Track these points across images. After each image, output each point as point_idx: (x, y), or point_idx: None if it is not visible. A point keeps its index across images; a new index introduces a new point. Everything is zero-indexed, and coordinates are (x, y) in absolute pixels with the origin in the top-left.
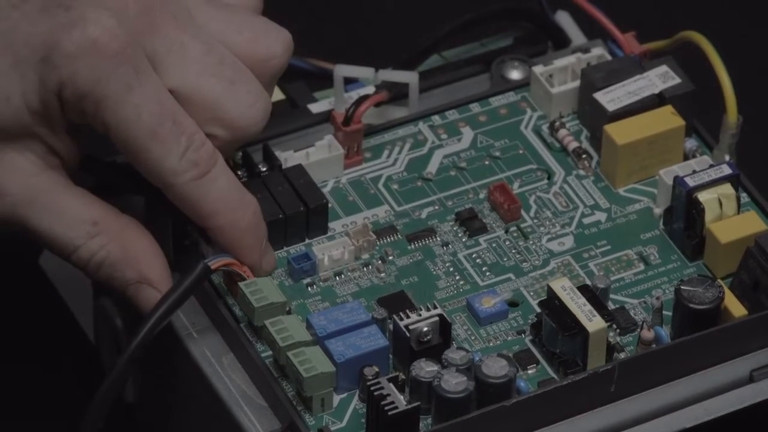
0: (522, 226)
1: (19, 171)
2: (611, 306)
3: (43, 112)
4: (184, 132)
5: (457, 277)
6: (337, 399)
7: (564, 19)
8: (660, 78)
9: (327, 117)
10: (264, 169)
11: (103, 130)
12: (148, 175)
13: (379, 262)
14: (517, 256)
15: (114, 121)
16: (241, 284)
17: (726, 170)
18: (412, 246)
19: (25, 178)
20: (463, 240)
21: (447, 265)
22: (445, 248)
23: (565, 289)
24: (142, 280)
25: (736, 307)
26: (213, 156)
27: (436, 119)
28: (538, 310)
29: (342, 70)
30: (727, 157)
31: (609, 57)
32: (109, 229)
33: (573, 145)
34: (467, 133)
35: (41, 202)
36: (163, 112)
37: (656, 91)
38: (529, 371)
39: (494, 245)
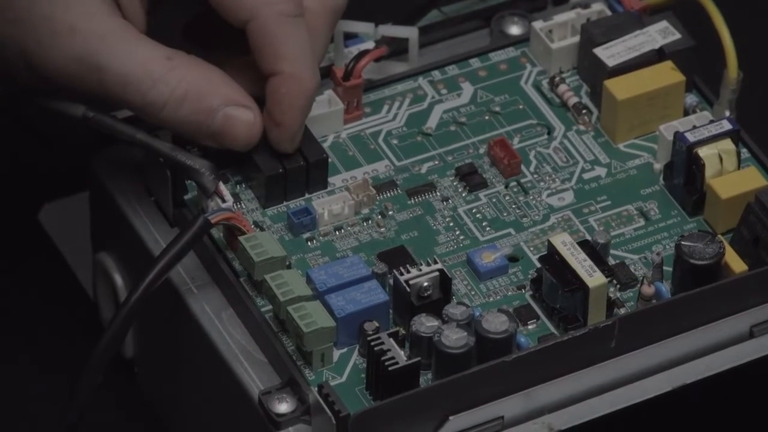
0: (522, 181)
1: (89, 12)
2: (611, 261)
3: None
4: None
5: (457, 232)
6: (337, 354)
7: None
8: (660, 33)
9: (327, 72)
10: None
11: None
12: (230, 7)
13: (379, 216)
14: (517, 211)
15: None
16: (241, 238)
17: (726, 125)
18: (412, 201)
19: (96, 17)
20: (463, 195)
21: (447, 220)
22: (445, 203)
23: (565, 245)
24: (230, 103)
25: (736, 263)
26: (300, 6)
27: (436, 74)
28: (539, 265)
29: (342, 25)
30: (727, 113)
31: (609, 12)
32: (184, 62)
33: (573, 100)
34: (467, 89)
35: (113, 39)
36: None
37: (656, 46)
38: (530, 327)
39: (494, 200)
